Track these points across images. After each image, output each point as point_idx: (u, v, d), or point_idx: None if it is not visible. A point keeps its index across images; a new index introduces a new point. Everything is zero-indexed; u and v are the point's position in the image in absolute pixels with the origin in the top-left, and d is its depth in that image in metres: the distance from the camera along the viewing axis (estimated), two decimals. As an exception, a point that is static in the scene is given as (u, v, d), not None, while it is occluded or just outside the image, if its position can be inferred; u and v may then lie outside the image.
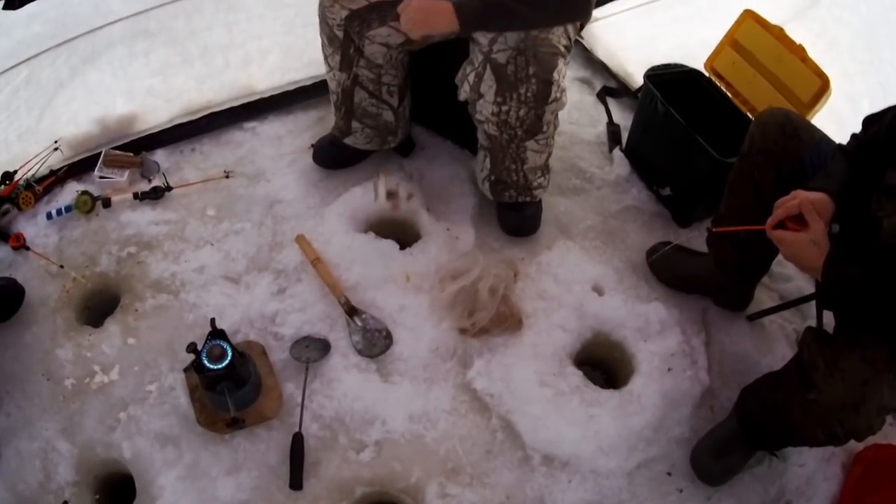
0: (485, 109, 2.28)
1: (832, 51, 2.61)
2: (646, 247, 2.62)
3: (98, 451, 2.19)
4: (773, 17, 2.65)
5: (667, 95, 2.63)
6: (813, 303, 2.13)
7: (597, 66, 3.37)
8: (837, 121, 2.36)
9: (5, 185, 2.71)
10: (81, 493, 2.14)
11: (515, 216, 2.65)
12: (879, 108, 1.82)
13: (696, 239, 2.57)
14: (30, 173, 2.75)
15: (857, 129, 1.87)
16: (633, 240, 2.68)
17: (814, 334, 1.81)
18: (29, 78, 3.03)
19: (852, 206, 1.71)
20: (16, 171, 2.74)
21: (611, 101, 3.21)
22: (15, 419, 2.26)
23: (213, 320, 2.14)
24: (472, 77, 2.26)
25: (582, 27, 2.51)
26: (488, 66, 2.19)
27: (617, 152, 2.97)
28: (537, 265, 2.56)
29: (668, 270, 2.55)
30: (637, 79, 3.17)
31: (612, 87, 3.27)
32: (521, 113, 2.25)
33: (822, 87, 2.45)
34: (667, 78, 2.72)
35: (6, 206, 2.69)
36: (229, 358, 2.03)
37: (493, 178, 2.55)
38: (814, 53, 2.49)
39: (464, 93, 2.32)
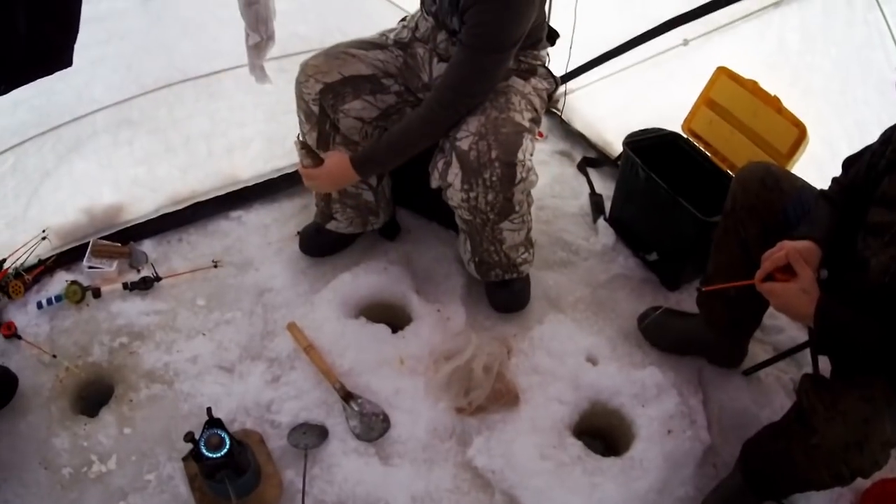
0: (455, 196, 2.57)
1: (806, 97, 2.85)
2: (636, 313, 2.93)
3: None
4: (745, 72, 2.97)
5: (647, 160, 2.95)
6: (807, 351, 2.39)
7: (575, 137, 3.78)
8: (816, 166, 2.71)
9: None
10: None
11: (504, 293, 2.95)
12: (857, 149, 2.02)
13: (686, 300, 2.91)
14: (18, 262, 3.07)
15: (837, 172, 2.06)
16: (624, 308, 3.00)
17: (811, 381, 1.97)
18: (15, 166, 3.37)
19: (839, 250, 1.88)
20: (4, 260, 3.07)
21: (592, 172, 3.60)
22: None
23: (209, 409, 2.40)
24: (440, 165, 2.56)
25: (550, 98, 2.83)
26: (454, 154, 2.49)
27: (601, 222, 3.34)
28: (530, 340, 2.86)
29: (660, 335, 2.83)
30: (616, 147, 3.57)
31: (592, 158, 3.67)
32: (490, 198, 2.53)
33: (799, 135, 2.74)
34: (645, 143, 3.08)
35: None
36: (228, 446, 2.28)
37: (476, 259, 2.86)
38: (788, 102, 2.80)
39: (434, 181, 2.63)
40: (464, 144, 2.42)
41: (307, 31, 3.59)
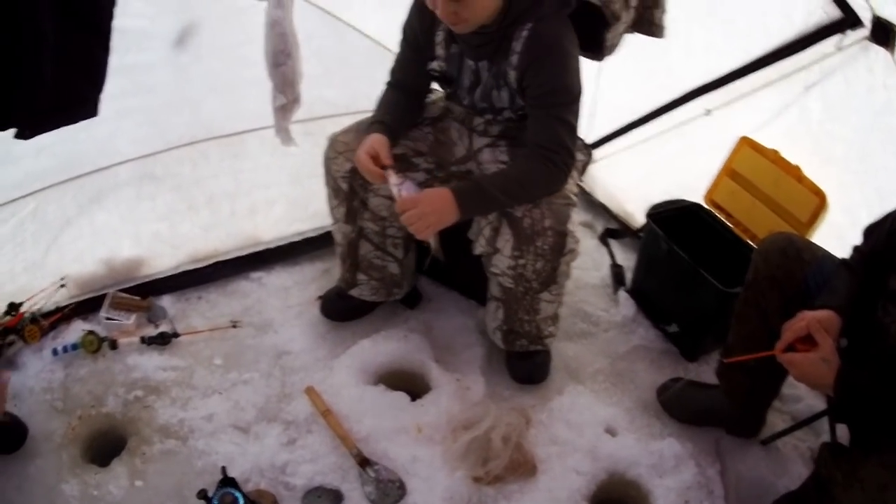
0: (501, 263, 2.78)
1: (827, 165, 3.06)
2: (655, 385, 3.19)
3: None
4: (767, 141, 3.25)
5: (669, 232, 3.24)
6: (826, 419, 2.58)
7: (597, 208, 4.10)
8: (837, 234, 2.87)
9: (11, 315, 3.39)
10: None
11: (526, 365, 3.22)
12: (877, 217, 2.17)
13: (705, 372, 3.16)
14: (35, 307, 3.44)
15: (858, 240, 2.22)
16: (643, 379, 3.26)
17: (829, 449, 2.13)
18: (36, 211, 3.72)
19: (859, 318, 2.02)
20: (21, 304, 3.43)
21: (613, 243, 3.92)
22: None
23: (224, 468, 2.68)
24: (487, 231, 2.83)
25: (584, 170, 3.14)
26: (504, 221, 2.75)
27: (622, 293, 3.64)
28: (549, 411, 3.05)
29: (679, 406, 3.06)
30: (637, 217, 3.87)
31: (614, 229, 3.98)
32: (538, 266, 2.74)
33: (819, 204, 2.96)
34: (668, 214, 3.38)
35: (11, 337, 3.35)
36: None
37: (505, 328, 3.10)
38: (809, 170, 3.05)
39: (479, 247, 2.90)
40: (517, 212, 2.66)
41: (334, 95, 3.99)
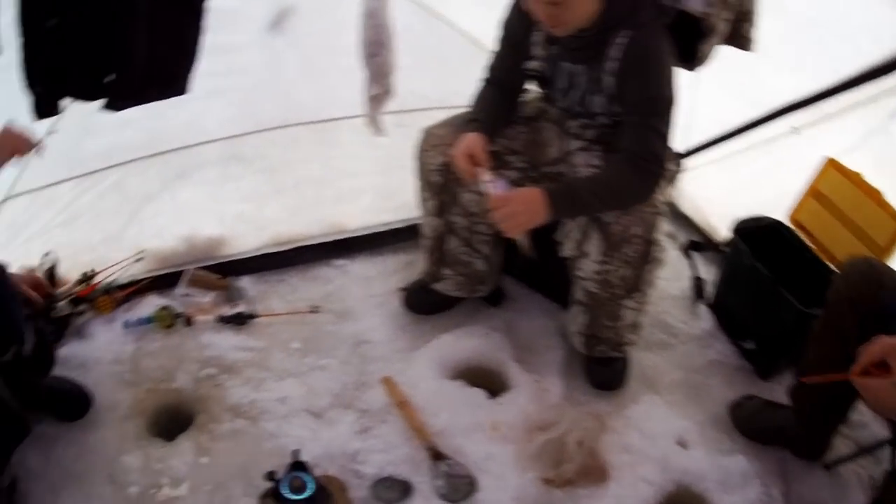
0: (588, 267, 2.80)
1: None
2: (728, 400, 3.13)
3: None
4: (852, 162, 3.18)
5: (751, 247, 3.20)
6: (889, 448, 2.48)
7: (681, 219, 4.03)
8: None
9: (84, 285, 3.38)
10: None
11: (604, 371, 3.18)
12: None
13: (777, 391, 3.08)
14: (110, 279, 3.43)
15: None
16: (716, 394, 3.19)
17: (890, 477, 2.15)
18: (118, 183, 3.75)
19: None
20: (95, 274, 3.43)
21: (695, 255, 3.85)
22: None
23: (296, 451, 2.61)
24: (576, 234, 2.81)
25: (673, 180, 3.08)
26: (594, 225, 2.73)
27: (701, 306, 3.58)
28: (623, 419, 3.04)
29: (749, 423, 3.01)
30: (720, 231, 3.79)
31: (697, 241, 3.91)
32: (624, 273, 2.75)
33: None
34: (751, 230, 3.33)
35: (83, 306, 3.34)
36: (310, 491, 2.47)
37: (587, 333, 3.07)
38: (892, 196, 2.99)
39: (567, 250, 2.88)
40: (607, 217, 2.67)
41: (426, 89, 3.97)
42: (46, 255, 3.35)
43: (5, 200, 3.61)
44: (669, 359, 3.38)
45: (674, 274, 3.75)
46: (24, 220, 3.30)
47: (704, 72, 2.95)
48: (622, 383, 3.20)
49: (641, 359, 3.30)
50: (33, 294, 3.08)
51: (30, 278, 3.17)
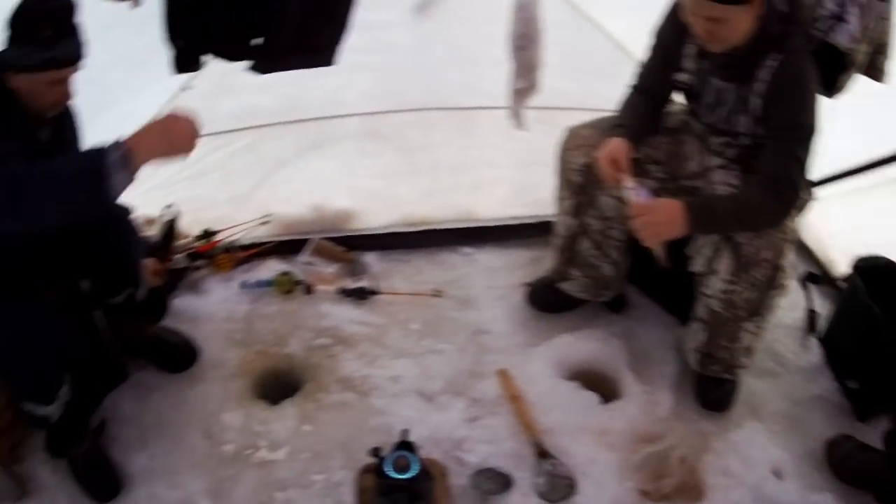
0: (715, 285, 2.77)
1: None
2: (825, 437, 3.01)
3: None
4: None
5: (868, 286, 3.11)
6: None
7: (802, 249, 3.86)
8: None
9: (204, 241, 3.42)
10: (207, 553, 2.60)
11: (715, 391, 3.10)
12: None
13: (873, 434, 2.95)
14: (232, 238, 3.45)
15: None
16: (815, 429, 3.08)
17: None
18: (251, 146, 3.78)
19: None
20: (217, 232, 3.46)
21: (811, 287, 3.71)
22: (158, 464, 2.78)
23: (405, 431, 2.58)
24: (707, 250, 2.77)
25: (804, 209, 2.97)
26: (726, 244, 2.69)
27: (812, 339, 3.46)
28: (725, 441, 2.96)
29: (842, 464, 2.90)
30: (838, 266, 3.69)
31: (815, 273, 3.77)
32: (749, 295, 2.71)
33: None
34: (870, 269, 3.22)
35: (201, 261, 3.37)
36: (414, 472, 2.44)
37: (703, 351, 3.01)
38: None
39: (697, 265, 2.83)
40: (739, 238, 2.65)
41: (570, 88, 3.88)
42: (168, 206, 3.37)
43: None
44: (775, 388, 3.28)
45: (789, 303, 3.60)
46: (147, 171, 3.29)
47: (836, 102, 2.88)
48: (729, 406, 3.13)
49: (749, 384, 3.21)
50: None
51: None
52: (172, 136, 2.22)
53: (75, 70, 2.32)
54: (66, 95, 2.36)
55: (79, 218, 2.17)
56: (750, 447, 2.95)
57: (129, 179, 2.09)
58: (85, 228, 2.53)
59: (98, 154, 2.03)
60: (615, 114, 2.94)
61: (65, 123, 2.52)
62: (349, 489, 2.68)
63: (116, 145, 2.05)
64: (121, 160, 2.04)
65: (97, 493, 2.71)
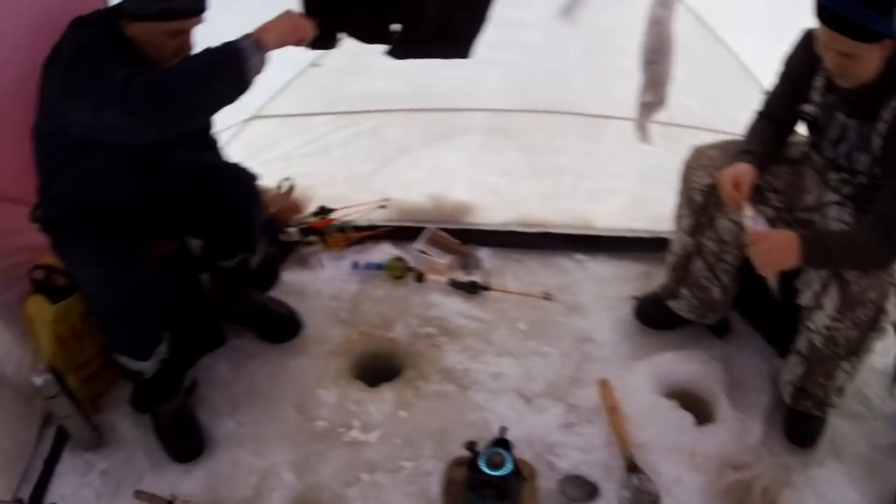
0: (819, 320, 2.72)
1: None
2: None
3: (324, 497, 2.66)
4: None
5: None
6: None
7: None
8: None
9: (319, 218, 3.46)
10: (285, 525, 2.62)
11: (803, 427, 3.06)
12: None
13: None
14: (348, 218, 3.48)
15: None
16: (891, 477, 3.01)
17: None
18: (375, 129, 3.81)
19: None
20: (332, 210, 3.49)
21: None
22: (246, 430, 2.83)
23: (504, 429, 2.58)
24: (816, 285, 2.72)
25: None
26: (835, 281, 2.65)
27: None
28: (806, 478, 2.91)
29: None
30: None
31: None
32: (851, 334, 2.68)
33: None
34: None
35: (313, 237, 3.41)
36: (507, 470, 2.43)
37: (797, 385, 2.98)
38: None
39: (804, 298, 2.78)
40: (849, 276, 2.61)
41: (697, 107, 3.83)
42: (285, 179, 3.41)
43: (252, 119, 3.73)
44: (859, 431, 3.21)
45: (882, 348, 3.53)
46: (267, 142, 3.37)
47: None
48: (815, 443, 3.09)
49: (835, 424, 3.16)
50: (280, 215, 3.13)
51: (287, 202, 3.21)
52: (293, 24, 2.36)
53: (195, 23, 2.36)
54: (186, 48, 2.40)
55: (220, 106, 2.24)
56: (828, 487, 2.93)
57: (264, 61, 2.21)
58: (212, 189, 2.58)
59: (232, 43, 2.16)
60: (741, 138, 2.94)
61: None
62: (437, 480, 2.69)
63: (247, 35, 2.19)
64: (254, 44, 2.18)
65: (178, 452, 2.76)
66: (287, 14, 2.36)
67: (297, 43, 2.38)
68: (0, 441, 2.59)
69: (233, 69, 2.15)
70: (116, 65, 2.13)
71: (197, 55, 2.24)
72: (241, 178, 2.81)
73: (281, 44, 2.26)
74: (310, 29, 2.41)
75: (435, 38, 2.90)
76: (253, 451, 2.78)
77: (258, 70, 2.19)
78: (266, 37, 2.22)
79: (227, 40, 2.16)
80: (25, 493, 2.62)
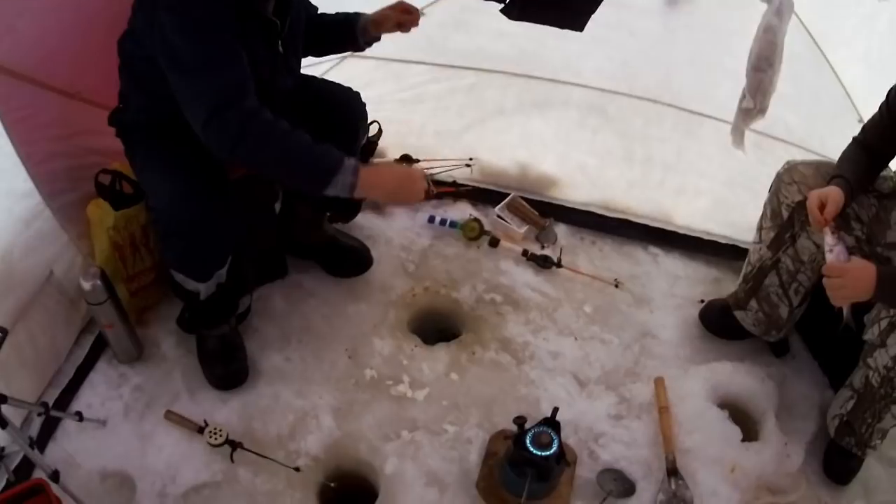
0: (881, 359, 2.69)
1: None
2: None
3: (361, 448, 2.68)
4: None
5: None
6: None
7: None
8: None
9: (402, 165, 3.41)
10: (315, 470, 2.63)
11: (841, 463, 3.05)
12: None
13: None
14: (430, 171, 3.43)
15: None
16: None
17: None
18: (473, 86, 3.78)
19: None
20: (416, 161, 3.47)
21: None
22: (292, 368, 2.85)
23: (556, 410, 2.58)
24: (884, 323, 2.69)
25: None
26: None
27: None
28: None
29: None
30: None
31: None
32: None
33: None
34: None
35: None
36: (552, 451, 2.43)
37: (844, 419, 2.95)
38: None
39: (870, 333, 2.75)
40: None
41: (794, 122, 3.78)
42: (372, 122, 3.38)
43: (347, 57, 3.70)
44: (892, 478, 3.17)
45: None
46: (360, 83, 3.31)
47: None
48: (849, 481, 3.08)
49: (869, 466, 3.12)
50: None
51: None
52: (405, 190, 2.42)
53: None
54: None
55: (287, 188, 2.44)
56: (856, 530, 2.87)
57: (345, 196, 2.27)
58: (321, 111, 2.68)
59: (336, 164, 2.22)
60: (836, 161, 2.89)
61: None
62: (477, 449, 2.70)
63: (355, 169, 2.24)
64: (349, 184, 2.23)
65: (219, 378, 2.78)
66: (409, 176, 2.42)
67: (397, 205, 2.35)
68: (36, 340, 2.60)
69: (312, 181, 2.25)
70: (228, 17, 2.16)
71: (305, 144, 2.23)
72: (354, 105, 2.84)
73: (378, 198, 2.47)
74: (418, 199, 2.45)
75: (554, 5, 2.85)
76: (295, 390, 2.80)
77: (332, 195, 2.25)
78: (368, 185, 2.27)
79: (336, 151, 2.24)
80: (51, 398, 2.64)
